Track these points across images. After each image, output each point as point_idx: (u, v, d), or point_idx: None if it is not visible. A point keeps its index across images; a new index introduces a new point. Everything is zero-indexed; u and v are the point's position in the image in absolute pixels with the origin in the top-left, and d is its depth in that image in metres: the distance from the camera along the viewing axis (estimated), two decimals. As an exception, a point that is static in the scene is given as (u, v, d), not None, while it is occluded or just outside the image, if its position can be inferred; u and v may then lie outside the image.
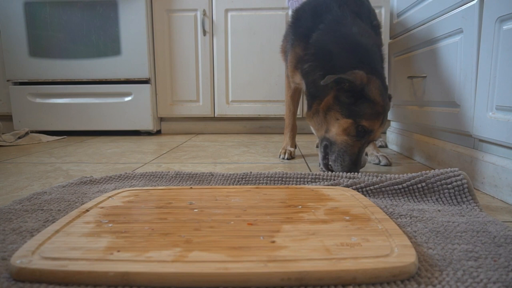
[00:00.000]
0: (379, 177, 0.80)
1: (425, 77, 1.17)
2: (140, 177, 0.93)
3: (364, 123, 0.99)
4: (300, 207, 0.63)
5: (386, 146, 1.58)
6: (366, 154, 1.29)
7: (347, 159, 0.99)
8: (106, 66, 2.05)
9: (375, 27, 1.22)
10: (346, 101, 1.00)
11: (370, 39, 1.09)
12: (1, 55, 2.11)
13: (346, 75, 0.98)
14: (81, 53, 2.05)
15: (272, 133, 2.18)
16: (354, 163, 0.99)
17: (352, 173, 0.92)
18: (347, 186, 0.79)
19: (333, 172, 0.90)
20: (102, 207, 0.63)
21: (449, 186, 0.72)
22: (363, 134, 1.00)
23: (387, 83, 1.08)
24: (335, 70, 1.02)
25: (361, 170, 1.04)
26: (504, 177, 0.79)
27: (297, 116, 1.43)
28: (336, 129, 1.02)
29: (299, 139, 1.81)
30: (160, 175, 0.94)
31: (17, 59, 2.06)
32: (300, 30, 1.17)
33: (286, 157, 1.30)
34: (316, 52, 1.09)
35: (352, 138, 1.00)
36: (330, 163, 1.03)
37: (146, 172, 0.95)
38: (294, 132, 1.40)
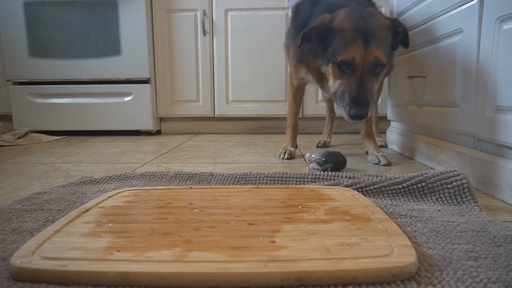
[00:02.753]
0: (379, 177, 0.80)
1: (425, 77, 1.17)
2: (140, 177, 0.93)
3: (340, 57, 0.90)
4: (300, 207, 0.63)
5: (386, 146, 1.58)
6: (367, 153, 1.29)
7: (346, 98, 0.90)
8: (106, 66, 2.05)
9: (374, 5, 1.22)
10: (321, 50, 0.94)
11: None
12: (1, 55, 2.11)
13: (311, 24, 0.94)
14: (81, 53, 2.05)
15: (272, 133, 2.18)
16: (354, 100, 0.88)
17: (358, 119, 0.83)
18: (347, 186, 0.79)
19: (333, 172, 0.90)
20: (102, 207, 0.63)
21: (449, 186, 0.72)
22: (349, 68, 0.90)
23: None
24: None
25: (362, 168, 1.01)
26: (504, 177, 0.79)
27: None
28: (329, 81, 0.96)
29: (299, 139, 1.81)
30: (160, 175, 0.94)
31: (17, 59, 2.06)
32: (299, 22, 1.17)
33: (286, 157, 1.30)
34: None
35: (343, 78, 0.91)
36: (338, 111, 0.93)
37: (146, 172, 0.95)
38: (295, 131, 1.40)
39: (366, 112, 0.88)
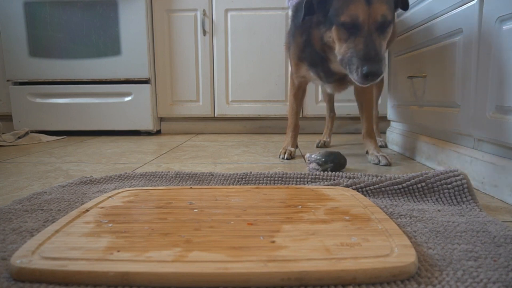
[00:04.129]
0: (379, 177, 0.80)
1: (425, 77, 1.17)
2: (140, 177, 0.93)
3: (343, 18, 0.85)
4: (300, 207, 0.63)
5: (386, 146, 1.58)
6: (367, 153, 1.29)
7: (356, 60, 0.84)
8: (106, 66, 2.05)
9: None
10: (322, 17, 0.91)
11: None
12: (1, 55, 2.11)
13: None
14: (81, 53, 2.05)
15: (272, 133, 2.18)
16: (365, 58, 0.83)
17: (373, 78, 0.78)
18: (347, 186, 0.79)
19: (333, 172, 0.90)
20: (102, 207, 0.63)
21: (449, 186, 0.72)
22: (354, 27, 0.85)
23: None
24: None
25: (362, 168, 1.01)
26: (504, 177, 0.79)
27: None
28: (335, 47, 0.91)
29: (299, 139, 1.80)
30: (160, 175, 0.94)
31: (17, 59, 2.06)
32: (298, 20, 1.17)
33: (286, 157, 1.30)
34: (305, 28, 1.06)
35: (349, 41, 0.86)
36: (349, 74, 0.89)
37: (146, 172, 0.95)
38: (296, 131, 1.40)
39: (380, 68, 0.82)
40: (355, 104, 1.37)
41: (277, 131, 2.20)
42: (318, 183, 0.85)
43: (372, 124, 1.32)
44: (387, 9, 0.84)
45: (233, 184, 0.88)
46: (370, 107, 1.32)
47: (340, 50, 0.90)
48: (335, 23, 0.88)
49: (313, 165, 1.04)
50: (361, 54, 0.83)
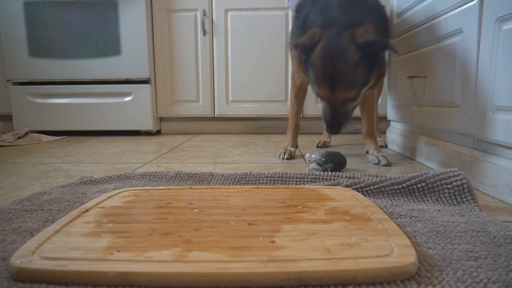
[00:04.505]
0: (379, 177, 0.80)
1: (425, 77, 1.17)
2: (140, 177, 0.93)
3: (314, 90, 1.00)
4: (300, 207, 0.63)
5: (386, 146, 1.58)
6: (367, 153, 1.29)
7: (324, 119, 1.04)
8: (106, 66, 2.05)
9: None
10: (305, 66, 1.02)
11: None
12: (1, 55, 2.11)
13: (302, 38, 0.98)
14: (81, 53, 2.05)
15: (272, 133, 2.18)
16: (328, 123, 1.02)
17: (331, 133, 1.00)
18: (347, 186, 0.79)
19: (333, 172, 0.90)
20: (102, 207, 0.63)
21: (449, 186, 0.72)
22: (323, 99, 1.00)
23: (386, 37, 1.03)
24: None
25: (362, 168, 1.03)
26: (504, 177, 0.79)
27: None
28: None
29: (299, 139, 1.81)
30: (160, 175, 0.94)
31: (17, 59, 2.06)
32: (301, 20, 1.17)
33: (286, 157, 1.30)
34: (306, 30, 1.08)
35: (321, 101, 1.02)
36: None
37: (146, 172, 0.95)
38: (296, 132, 1.40)
39: (339, 131, 1.02)
40: (355, 104, 1.37)
41: (277, 131, 2.20)
42: (318, 183, 0.85)
43: (373, 124, 1.32)
44: (350, 92, 0.96)
45: (233, 184, 0.88)
46: (372, 107, 1.32)
47: (319, 102, 1.07)
48: (312, 83, 1.02)
49: (313, 165, 1.04)
50: (327, 119, 1.02)
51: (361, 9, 1.06)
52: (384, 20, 1.08)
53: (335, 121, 0.99)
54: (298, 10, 1.23)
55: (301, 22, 1.15)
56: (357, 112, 1.39)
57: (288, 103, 2.09)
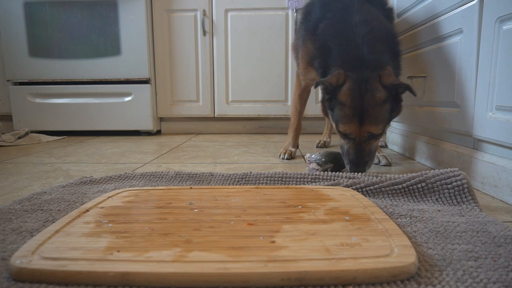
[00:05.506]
0: (379, 177, 0.80)
1: (425, 77, 1.17)
2: (140, 177, 0.93)
3: (340, 128, 1.00)
4: (300, 207, 0.63)
5: (386, 146, 1.58)
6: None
7: (347, 158, 1.02)
8: (106, 66, 2.05)
9: (388, 11, 1.21)
10: (329, 102, 1.03)
11: (372, 27, 1.03)
12: (1, 55, 2.11)
13: (327, 77, 0.99)
14: (81, 53, 2.05)
15: (272, 133, 2.18)
16: (352, 162, 1.00)
17: (355, 172, 0.93)
18: (347, 186, 0.79)
19: (333, 172, 0.90)
20: (102, 207, 0.63)
21: (449, 186, 0.72)
22: (348, 137, 1.00)
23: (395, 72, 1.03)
24: (329, 68, 1.03)
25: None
26: (504, 177, 0.79)
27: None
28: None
29: (299, 139, 1.81)
30: (160, 175, 0.94)
31: (17, 59, 2.06)
32: (310, 24, 1.17)
33: (286, 157, 1.30)
34: (320, 47, 1.09)
35: (346, 139, 1.01)
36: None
37: (146, 172, 0.95)
38: (298, 132, 1.40)
39: (364, 170, 1.00)
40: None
41: (277, 131, 2.20)
42: (318, 183, 0.85)
43: None
44: (377, 127, 0.98)
45: (233, 184, 0.88)
46: None
47: (340, 140, 1.05)
48: (336, 126, 1.03)
49: (313, 165, 1.04)
50: (351, 158, 1.00)
51: (379, 40, 1.05)
52: (397, 53, 1.09)
53: (361, 160, 0.99)
54: (307, 13, 1.22)
55: (312, 27, 1.15)
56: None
57: (289, 103, 2.10)
